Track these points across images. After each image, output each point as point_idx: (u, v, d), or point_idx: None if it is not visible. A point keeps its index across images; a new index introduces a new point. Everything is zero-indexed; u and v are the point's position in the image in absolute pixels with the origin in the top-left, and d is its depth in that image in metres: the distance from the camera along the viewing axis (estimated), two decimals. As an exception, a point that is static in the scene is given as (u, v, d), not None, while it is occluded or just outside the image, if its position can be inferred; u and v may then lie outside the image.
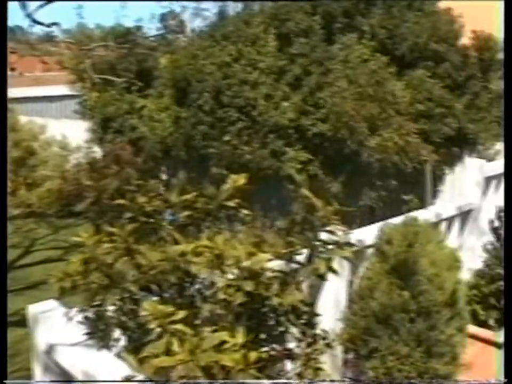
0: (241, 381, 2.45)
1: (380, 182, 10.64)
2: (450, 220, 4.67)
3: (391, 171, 10.36)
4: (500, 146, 10.73)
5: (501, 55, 16.37)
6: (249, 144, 11.06)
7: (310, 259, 2.53)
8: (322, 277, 2.53)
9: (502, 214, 4.75)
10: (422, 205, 8.42)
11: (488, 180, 5.30)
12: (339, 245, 2.51)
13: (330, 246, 2.52)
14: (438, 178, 10.47)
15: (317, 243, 2.53)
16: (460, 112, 10.77)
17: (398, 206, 9.46)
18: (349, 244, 2.52)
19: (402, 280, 3.37)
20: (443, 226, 4.59)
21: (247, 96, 11.42)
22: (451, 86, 11.30)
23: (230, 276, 2.47)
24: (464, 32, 13.03)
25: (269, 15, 12.66)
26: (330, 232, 2.55)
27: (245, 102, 11.41)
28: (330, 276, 3.26)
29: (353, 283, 3.76)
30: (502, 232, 4.74)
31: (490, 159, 9.92)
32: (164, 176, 13.65)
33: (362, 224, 4.57)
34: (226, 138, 11.23)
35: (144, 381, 2.54)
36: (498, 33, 12.92)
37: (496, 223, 4.75)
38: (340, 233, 2.55)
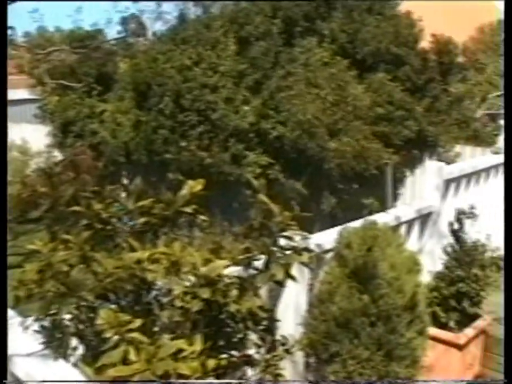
0: (243, 381, 2.43)
1: (341, 186, 10.70)
2: (410, 223, 4.69)
3: (351, 174, 10.43)
4: (459, 148, 10.87)
5: (459, 58, 16.60)
6: (210, 148, 11.03)
7: (267, 265, 2.52)
8: (279, 283, 2.52)
9: (462, 217, 4.80)
10: (383, 208, 8.47)
11: (448, 182, 5.35)
12: (296, 251, 2.50)
13: (288, 252, 2.51)
14: (398, 181, 10.55)
15: (275, 249, 2.52)
16: (420, 115, 10.89)
17: (359, 210, 9.53)
18: (307, 249, 2.52)
19: (362, 284, 3.37)
20: (403, 229, 4.61)
21: (208, 99, 11.39)
22: (411, 89, 11.42)
23: (187, 283, 2.44)
24: (424, 36, 13.18)
25: (228, 18, 12.66)
26: (288, 237, 2.54)
27: (205, 106, 11.37)
28: (290, 281, 3.25)
29: (313, 287, 3.75)
30: (461, 234, 4.78)
31: (450, 162, 10.04)
32: (125, 181, 13.54)
33: (323, 228, 4.58)
34: (183, 143, 11.17)
35: (145, 381, 2.49)
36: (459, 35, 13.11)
37: (456, 226, 4.79)
38: (297, 238, 2.54)
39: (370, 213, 5.75)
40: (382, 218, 4.12)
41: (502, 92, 19.68)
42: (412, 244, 4.77)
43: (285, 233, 2.54)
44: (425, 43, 13.22)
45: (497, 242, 6.34)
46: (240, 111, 11.39)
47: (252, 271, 2.57)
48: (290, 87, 11.03)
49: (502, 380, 3.08)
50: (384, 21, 12.36)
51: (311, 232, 4.07)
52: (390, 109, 10.76)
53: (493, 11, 38.79)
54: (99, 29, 16.90)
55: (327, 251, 3.73)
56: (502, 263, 6.38)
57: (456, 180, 5.49)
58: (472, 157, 10.02)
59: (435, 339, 4.52)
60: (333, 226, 4.15)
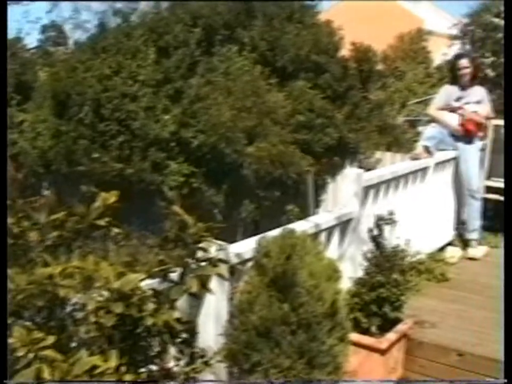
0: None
1: (263, 193, 10.77)
2: (330, 230, 4.74)
3: (272, 181, 10.52)
4: (379, 155, 11.10)
5: (379, 66, 16.93)
6: (130, 158, 10.93)
7: (182, 277, 2.50)
8: (195, 296, 2.50)
9: (381, 223, 4.89)
10: (305, 214, 8.56)
11: (367, 189, 5.44)
12: (212, 262, 2.49)
13: (203, 263, 2.50)
14: (320, 188, 10.69)
15: (190, 261, 2.50)
16: (341, 122, 11.10)
17: (281, 217, 9.60)
18: (222, 261, 2.51)
19: (281, 293, 3.38)
20: (323, 236, 4.65)
21: (128, 109, 11.31)
22: (332, 96, 11.62)
23: (101, 298, 2.40)
24: (344, 44, 13.42)
25: (148, 27, 12.60)
26: (203, 249, 2.53)
27: (126, 115, 11.28)
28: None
29: (234, 297, 3.74)
30: (381, 240, 4.87)
31: (371, 168, 10.24)
32: (46, 192, 13.27)
33: (245, 236, 4.58)
34: (96, 155, 11.04)
35: (146, 381, 2.41)
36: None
37: (375, 232, 4.87)
38: (213, 249, 2.54)
39: (292, 220, 5.80)
40: (301, 226, 4.15)
41: (422, 99, 20.21)
42: (332, 251, 4.83)
43: (200, 245, 2.53)
44: (345, 51, 13.46)
45: (416, 247, 6.49)
46: (161, 120, 11.34)
47: (167, 284, 2.55)
48: (209, 95, 11.06)
49: (502, 380, 3.11)
50: (305, 29, 12.54)
51: (234, 240, 4.07)
52: (310, 116, 10.92)
53: (412, 20, 39.75)
54: (18, 37, 16.57)
55: (246, 260, 3.72)
56: (422, 267, 6.55)
57: (376, 186, 5.59)
58: (393, 163, 10.26)
59: (357, 344, 4.57)
60: (255, 234, 4.16)
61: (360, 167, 10.85)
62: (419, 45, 32.98)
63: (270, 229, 3.94)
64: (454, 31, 10.14)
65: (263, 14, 12.96)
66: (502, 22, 8.91)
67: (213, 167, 10.97)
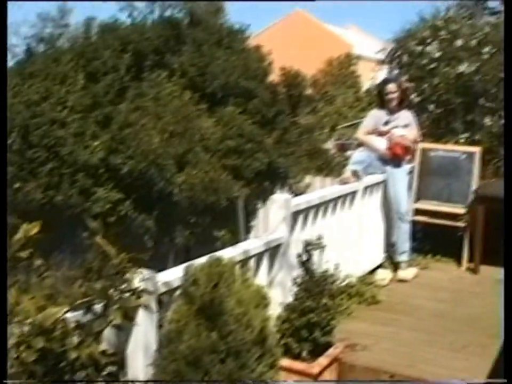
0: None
1: (194, 219, 10.74)
2: (259, 256, 4.77)
3: (203, 207, 10.51)
4: (309, 179, 11.23)
5: (309, 90, 17.16)
6: (59, 185, 10.78)
7: (106, 309, 2.47)
8: (119, 327, 2.48)
9: (309, 248, 4.94)
10: (235, 240, 8.59)
11: (296, 214, 5.49)
12: (136, 293, 2.48)
13: (126, 294, 2.48)
14: (251, 213, 10.74)
15: (113, 292, 2.48)
16: (270, 147, 11.18)
17: (212, 243, 9.60)
18: (147, 291, 2.50)
19: (210, 321, 3.37)
20: (252, 263, 4.67)
21: (56, 135, 11.16)
22: (261, 121, 11.71)
23: (22, 332, 2.35)
24: (274, 69, 13.59)
25: (77, 53, 12.51)
26: (126, 280, 2.51)
27: (54, 142, 11.13)
28: (140, 321, 3.20)
29: (163, 326, 3.72)
30: (310, 265, 4.92)
31: (301, 192, 10.36)
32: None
33: (177, 263, 4.57)
34: (17, 185, 10.85)
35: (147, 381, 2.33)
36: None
37: (304, 257, 4.92)
38: (138, 279, 2.52)
39: (223, 246, 5.79)
40: (229, 253, 4.16)
41: (351, 123, 20.57)
42: (261, 277, 4.85)
43: (124, 276, 2.52)
44: (275, 76, 13.63)
45: (347, 271, 6.58)
46: (90, 146, 11.24)
47: (91, 316, 2.52)
48: (138, 121, 11.02)
49: (502, 380, 3.20)
50: (234, 54, 12.65)
51: (165, 267, 4.05)
52: (240, 141, 10.99)
53: (341, 45, 40.54)
54: None
55: (175, 289, 3.71)
56: (352, 291, 6.64)
57: (304, 211, 5.65)
58: (323, 187, 10.40)
59: (289, 370, 4.59)
60: (187, 260, 4.15)
61: (291, 192, 10.99)
62: (348, 69, 33.72)
63: (202, 255, 3.95)
64: (382, 56, 10.39)
65: (192, 40, 13.01)
66: (426, 49, 9.21)
67: (143, 194, 10.90)
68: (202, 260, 3.58)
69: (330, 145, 14.85)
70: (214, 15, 25.99)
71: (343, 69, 33.19)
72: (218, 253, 3.85)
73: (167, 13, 15.18)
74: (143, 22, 15.11)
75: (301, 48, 41.05)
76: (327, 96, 26.52)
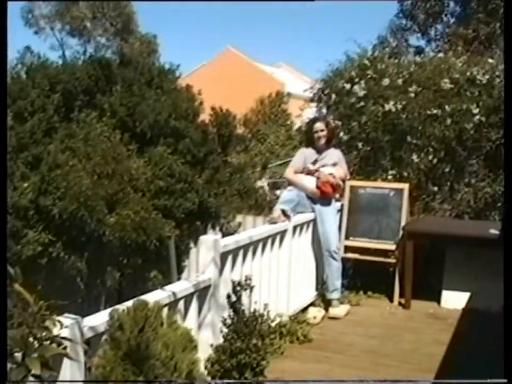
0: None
1: (126, 260, 10.65)
2: (187, 298, 4.76)
3: (136, 248, 10.44)
4: (241, 218, 11.27)
5: (240, 129, 17.28)
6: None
7: (24, 358, 2.44)
8: (38, 377, 2.44)
9: (238, 288, 4.95)
10: (168, 281, 8.54)
11: (225, 254, 5.51)
12: (55, 341, 2.45)
13: (45, 343, 2.45)
14: (183, 254, 10.72)
15: (31, 341, 2.45)
16: (201, 186, 11.21)
17: (144, 284, 9.52)
18: (67, 339, 2.47)
19: (136, 366, 3.34)
20: (180, 305, 4.66)
21: (-19, 177, 10.95)
22: (192, 161, 11.74)
23: None
24: (204, 109, 13.68)
25: (2, 92, 12.36)
26: (46, 328, 2.48)
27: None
28: (65, 367, 3.16)
29: (89, 373, 3.67)
30: (239, 306, 4.93)
31: (232, 232, 10.38)
32: None
33: (109, 305, 4.52)
34: None
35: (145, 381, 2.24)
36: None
37: (233, 298, 4.93)
38: (58, 327, 2.49)
39: (154, 288, 5.75)
40: (156, 296, 4.15)
41: (283, 161, 20.79)
42: (190, 319, 4.84)
43: (42, 323, 2.48)
44: (205, 116, 13.71)
45: (278, 310, 6.61)
46: (19, 188, 11.05)
47: (10, 366, 2.47)
48: (68, 161, 10.92)
49: (502, 380, 3.24)
50: (164, 94, 12.69)
51: (97, 309, 4.00)
52: (171, 181, 10.97)
53: (273, 83, 41.05)
54: None
55: (102, 334, 3.67)
56: (284, 330, 6.66)
57: (233, 252, 5.67)
58: (254, 226, 10.46)
59: (220, 414, 4.57)
60: (119, 302, 4.11)
61: (222, 231, 11.01)
62: (280, 107, 34.07)
63: (134, 297, 3.92)
64: (310, 94, 10.57)
65: (122, 80, 13.02)
66: (354, 87, 9.41)
67: (74, 235, 10.76)
68: (129, 303, 3.57)
69: (262, 183, 14.97)
70: (147, 56, 26.08)
71: (274, 107, 33.57)
72: (144, 296, 3.84)
73: (99, 53, 15.20)
74: (73, 61, 15.09)
75: (232, 87, 41.44)
76: (259, 135, 26.79)
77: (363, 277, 8.66)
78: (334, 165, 8.00)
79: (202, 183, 11.42)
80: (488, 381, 3.78)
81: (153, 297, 3.99)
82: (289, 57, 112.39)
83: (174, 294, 4.44)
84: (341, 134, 9.41)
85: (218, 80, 42.26)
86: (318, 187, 7.73)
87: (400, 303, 8.21)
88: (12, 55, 14.79)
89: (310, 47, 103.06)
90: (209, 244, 5.19)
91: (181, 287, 4.72)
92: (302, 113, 10.62)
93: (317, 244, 7.96)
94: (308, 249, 7.92)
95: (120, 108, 12.20)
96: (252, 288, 4.96)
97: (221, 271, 5.36)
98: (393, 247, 8.35)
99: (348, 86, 9.56)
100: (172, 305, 4.43)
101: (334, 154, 8.12)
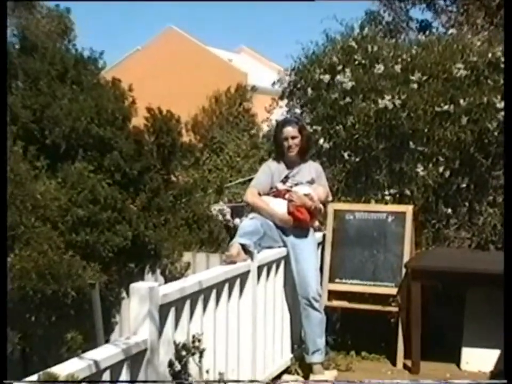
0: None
1: (32, 318, 10.50)
2: (114, 367, 4.74)
3: (45, 302, 10.29)
4: (190, 257, 11.24)
5: (188, 137, 17.29)
6: None
7: None
8: None
9: (184, 353, 4.96)
10: (91, 345, 8.46)
11: (166, 307, 5.49)
12: None
13: None
14: (112, 307, 10.61)
15: None
16: (135, 215, 11.09)
17: (57, 349, 9.40)
18: None
19: None
20: (105, 377, 4.63)
21: None
22: (122, 182, 11.60)
23: None
24: (138, 110, 13.60)
25: None
26: None
27: None
28: None
29: None
30: (184, 375, 4.94)
31: (179, 276, 10.34)
32: None
33: (13, 376, 4.45)
34: None
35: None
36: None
37: (177, 366, 4.94)
38: None
39: (71, 351, 5.69)
40: (71, 366, 4.13)
41: (246, 178, 20.78)
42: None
43: None
44: (139, 120, 13.63)
45: (239, 379, 6.62)
46: None
47: None
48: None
49: (502, 381, 3.80)
50: (83, 92, 12.57)
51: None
52: (93, 209, 10.82)
53: (232, 73, 41.09)
54: None
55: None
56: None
57: (177, 303, 5.66)
58: (209, 267, 10.42)
59: None
60: (26, 375, 4.08)
61: (164, 276, 10.96)
62: (241, 106, 33.96)
63: (45, 365, 3.90)
64: (279, 89, 10.63)
65: (24, 73, 12.90)
66: (337, 78, 9.48)
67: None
68: (33, 377, 3.56)
69: (218, 209, 14.91)
70: (58, 39, 25.84)
71: (234, 106, 33.49)
72: (56, 368, 3.83)
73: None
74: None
75: (176, 80, 41.45)
76: (213, 144, 26.70)
77: (354, 332, 8.71)
78: (312, 182, 8.05)
79: (137, 211, 11.31)
80: (488, 381, 4.06)
81: (67, 368, 3.98)
82: (252, 39, 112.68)
83: (96, 363, 4.41)
84: (321, 141, 9.47)
85: (156, 71, 42.27)
86: (290, 213, 7.76)
87: (405, 366, 8.28)
88: None
89: (278, 26, 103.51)
90: (143, 294, 5.17)
91: (106, 353, 4.70)
92: (270, 116, 10.67)
93: (291, 289, 7.99)
94: (279, 297, 7.95)
95: (22, 111, 12.09)
96: (202, 352, 4.97)
97: (160, 329, 5.34)
98: (394, 290, 8.42)
99: (327, 76, 9.63)
100: (94, 378, 4.40)
101: (311, 168, 8.18)
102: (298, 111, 10.15)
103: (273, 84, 10.70)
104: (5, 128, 3.37)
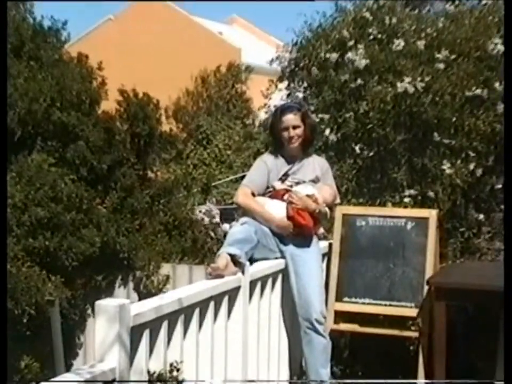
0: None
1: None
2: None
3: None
4: (169, 268, 11.21)
5: (167, 125, 17.29)
6: None
7: None
8: None
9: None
10: (49, 373, 8.45)
11: (138, 329, 5.47)
12: None
13: None
14: (76, 327, 10.58)
15: None
16: (105, 218, 11.05)
17: (10, 377, 9.38)
18: None
19: None
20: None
21: None
22: (89, 178, 11.54)
23: None
24: (107, 93, 13.57)
25: None
26: None
27: None
28: None
29: None
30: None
31: (155, 292, 10.32)
32: None
33: None
34: None
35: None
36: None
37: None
38: None
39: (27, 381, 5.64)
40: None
41: (238, 175, 20.81)
42: None
43: None
44: (110, 103, 13.59)
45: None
46: None
47: None
48: None
49: (502, 381, 4.05)
50: (42, 69, 12.55)
51: None
52: (55, 209, 10.76)
53: (221, 49, 41.03)
54: None
55: None
56: None
57: (152, 324, 5.65)
58: (191, 282, 10.40)
59: None
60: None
61: (138, 292, 10.94)
62: (234, 89, 33.87)
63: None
64: (279, 68, 10.59)
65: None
66: (348, 56, 9.45)
67: None
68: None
69: (205, 212, 14.87)
70: (11, 5, 25.82)
71: (225, 88, 33.44)
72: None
73: None
74: None
75: (155, 57, 41.37)
76: (199, 134, 26.69)
77: (366, 361, 8.70)
78: (316, 181, 8.04)
79: (107, 213, 11.27)
80: (488, 381, 4.23)
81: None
82: (246, 8, 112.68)
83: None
84: (327, 131, 9.45)
85: (131, 46, 42.17)
86: (290, 217, 7.74)
87: (427, 401, 8.28)
88: None
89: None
90: (111, 313, 5.15)
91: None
92: (267, 102, 10.63)
93: (289, 309, 7.98)
94: (275, 318, 7.94)
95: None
96: (181, 383, 4.96)
97: (131, 356, 5.33)
98: (414, 312, 8.41)
99: (336, 54, 9.60)
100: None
101: (315, 164, 8.16)
102: (300, 95, 10.11)
103: (271, 61, 10.65)
104: (5, 128, 3.48)
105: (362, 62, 9.35)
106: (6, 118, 3.68)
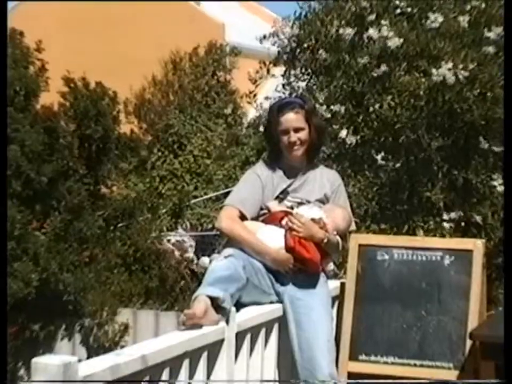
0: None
1: None
2: None
3: None
4: (128, 315, 11.23)
5: (128, 126, 17.40)
6: None
7: None
8: None
9: None
10: None
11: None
12: None
13: None
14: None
15: None
16: (44, 246, 11.05)
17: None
18: None
19: None
20: None
21: None
22: (23, 194, 11.57)
23: None
24: (48, 82, 13.62)
25: None
26: None
27: None
28: None
29: None
30: None
31: (109, 346, 10.35)
32: None
33: None
34: None
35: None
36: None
37: None
38: None
39: None
40: None
41: (220, 192, 20.86)
42: None
43: None
44: (51, 96, 13.62)
45: None
46: None
47: None
48: None
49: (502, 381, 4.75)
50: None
51: None
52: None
53: (200, 24, 41.04)
54: None
55: None
56: None
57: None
58: (157, 334, 10.43)
59: None
60: None
61: (86, 346, 10.97)
62: (216, 77, 33.81)
63: None
64: (274, 50, 10.54)
65: None
66: (369, 33, 9.43)
67: None
68: None
69: (178, 241, 14.83)
70: None
71: (203, 77, 33.38)
72: None
73: None
74: None
75: (111, 36, 41.26)
76: (169, 136, 26.68)
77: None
78: (324, 201, 8.03)
79: (46, 241, 11.26)
80: (489, 381, 4.44)
81: None
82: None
83: None
84: (343, 133, 9.43)
85: (80, 21, 42.07)
86: (290, 248, 7.73)
87: None
88: None
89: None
90: (52, 374, 5.17)
91: None
92: (256, 90, 10.60)
93: (287, 370, 7.99)
94: (270, 377, 7.95)
95: None
96: None
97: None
98: (453, 374, 8.43)
99: (350, 30, 9.59)
100: None
101: (323, 178, 8.17)
102: (302, 84, 10.06)
103: (263, 39, 10.52)
104: (5, 127, 3.96)
105: (394, 41, 9.28)
106: (6, 116, 4.04)
